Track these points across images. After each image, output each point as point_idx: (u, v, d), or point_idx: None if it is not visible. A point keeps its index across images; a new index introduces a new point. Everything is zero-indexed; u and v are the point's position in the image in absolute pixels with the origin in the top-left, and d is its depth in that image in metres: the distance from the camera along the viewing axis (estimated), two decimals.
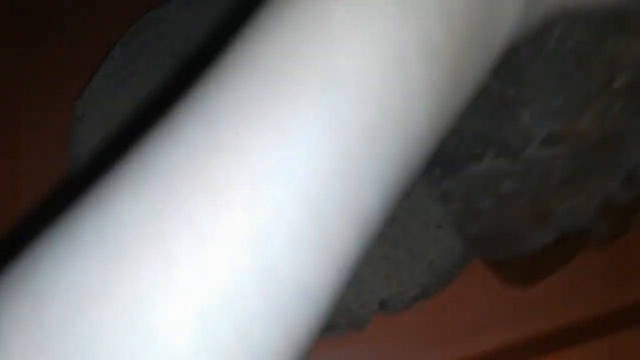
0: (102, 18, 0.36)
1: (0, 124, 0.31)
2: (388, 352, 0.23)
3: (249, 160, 0.10)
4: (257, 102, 0.10)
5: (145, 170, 0.10)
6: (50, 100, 0.32)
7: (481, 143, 0.19)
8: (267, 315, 0.10)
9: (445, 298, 0.24)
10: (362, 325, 0.23)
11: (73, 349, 0.09)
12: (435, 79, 0.10)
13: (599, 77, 0.18)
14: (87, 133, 0.27)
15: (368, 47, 0.10)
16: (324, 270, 0.10)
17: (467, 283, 0.25)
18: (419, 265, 0.22)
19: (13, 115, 0.31)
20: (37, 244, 0.11)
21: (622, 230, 0.22)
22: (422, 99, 0.10)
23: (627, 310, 0.24)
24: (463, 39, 0.11)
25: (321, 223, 0.10)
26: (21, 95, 0.32)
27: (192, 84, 0.11)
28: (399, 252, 0.23)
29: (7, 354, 0.09)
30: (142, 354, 0.09)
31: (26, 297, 0.10)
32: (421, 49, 0.10)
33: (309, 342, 0.11)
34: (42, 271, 0.10)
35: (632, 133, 0.19)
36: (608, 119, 0.19)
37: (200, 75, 0.11)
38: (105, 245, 0.10)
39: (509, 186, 0.20)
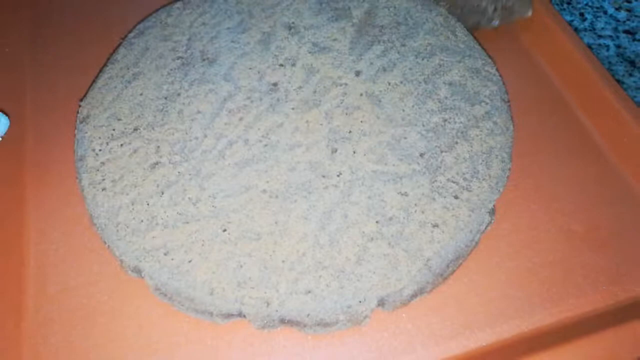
0: (105, 19, 0.36)
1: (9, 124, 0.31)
2: (387, 347, 0.23)
3: None
4: None
5: None
6: (55, 102, 0.32)
7: None
8: None
9: (443, 295, 0.25)
10: (361, 322, 0.23)
11: None
12: None
13: None
14: (91, 134, 0.27)
15: None
16: None
17: (464, 280, 0.25)
18: (416, 263, 0.23)
19: (18, 116, 0.31)
20: None
21: None
22: None
23: (624, 306, 0.24)
24: None
25: None
26: (26, 97, 0.32)
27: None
28: (397, 251, 0.23)
29: None
30: None
31: None
32: None
33: None
34: None
35: None
36: None
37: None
38: None
39: None
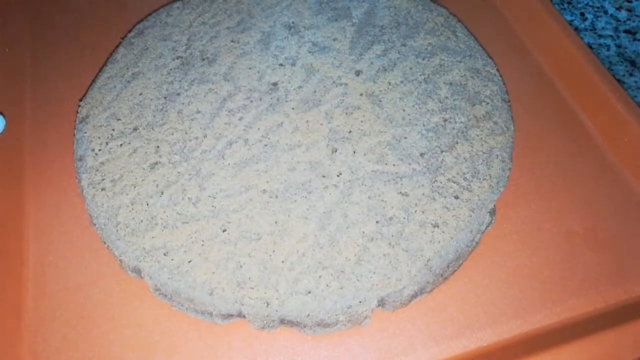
0: (105, 19, 0.36)
1: (6, 124, 0.31)
2: (387, 347, 0.24)
3: None
4: None
5: None
6: (55, 101, 0.32)
7: None
8: None
9: (443, 295, 0.25)
10: (361, 322, 0.23)
11: None
12: None
13: None
14: (91, 134, 0.27)
15: None
16: None
17: (464, 280, 0.25)
18: (417, 263, 0.23)
19: (18, 116, 0.31)
20: None
21: None
22: None
23: (624, 306, 0.25)
24: None
25: None
26: (26, 97, 0.32)
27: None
28: (397, 251, 0.23)
29: None
30: None
31: None
32: None
33: None
34: None
35: None
36: None
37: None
38: None
39: None
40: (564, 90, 0.32)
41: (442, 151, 0.26)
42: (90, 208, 0.25)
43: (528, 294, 0.25)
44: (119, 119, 0.28)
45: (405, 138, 0.26)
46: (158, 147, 0.26)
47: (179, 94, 0.28)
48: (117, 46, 0.31)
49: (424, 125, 0.27)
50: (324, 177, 0.25)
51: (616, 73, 0.35)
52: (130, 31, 0.32)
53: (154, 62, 0.30)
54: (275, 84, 0.28)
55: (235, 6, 0.32)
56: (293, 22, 0.31)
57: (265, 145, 0.26)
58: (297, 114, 0.27)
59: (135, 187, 0.25)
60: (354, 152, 0.26)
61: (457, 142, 0.26)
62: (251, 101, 0.28)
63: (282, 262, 0.23)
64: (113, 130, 0.27)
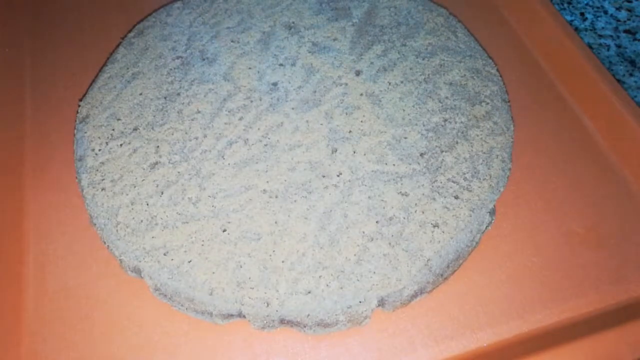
0: (105, 19, 0.36)
1: (6, 124, 0.31)
2: (387, 347, 0.24)
3: None
4: None
5: None
6: (55, 102, 0.32)
7: None
8: None
9: (443, 295, 0.25)
10: (361, 322, 0.23)
11: None
12: None
13: None
14: (91, 134, 0.27)
15: None
16: None
17: (464, 280, 0.25)
18: (417, 263, 0.23)
19: (18, 116, 0.31)
20: None
21: None
22: None
23: (624, 306, 0.25)
24: None
25: None
26: (26, 97, 0.32)
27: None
28: (397, 251, 0.23)
29: None
30: None
31: None
32: None
33: None
34: None
35: None
36: None
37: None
38: None
39: None
40: (564, 90, 0.32)
41: (442, 151, 0.26)
42: (90, 208, 0.25)
43: (528, 294, 0.25)
44: (119, 119, 0.28)
45: (405, 138, 0.26)
46: (158, 147, 0.26)
47: (179, 94, 0.28)
48: (117, 46, 0.31)
49: (424, 125, 0.27)
50: (324, 177, 0.25)
51: (616, 73, 0.35)
52: (130, 31, 0.32)
53: (154, 62, 0.30)
54: (275, 84, 0.28)
55: (235, 6, 0.32)
56: (293, 22, 0.31)
57: (265, 145, 0.26)
58: (297, 114, 0.27)
59: (135, 187, 0.25)
60: (354, 152, 0.26)
61: (457, 142, 0.26)
62: (251, 101, 0.28)
63: (282, 262, 0.23)
64: (113, 130, 0.27)
